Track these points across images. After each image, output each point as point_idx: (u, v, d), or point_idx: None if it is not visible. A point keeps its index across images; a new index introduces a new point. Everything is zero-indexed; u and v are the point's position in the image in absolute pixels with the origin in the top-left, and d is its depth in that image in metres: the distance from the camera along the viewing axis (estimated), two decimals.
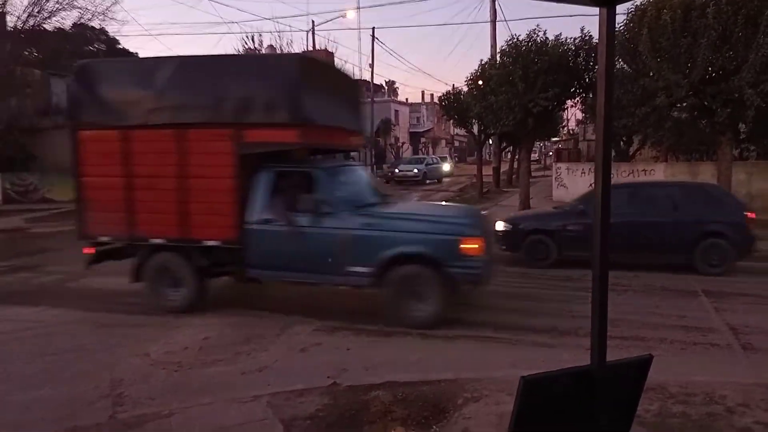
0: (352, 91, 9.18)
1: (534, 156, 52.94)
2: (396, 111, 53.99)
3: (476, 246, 6.58)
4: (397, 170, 35.56)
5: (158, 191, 7.36)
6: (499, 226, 10.85)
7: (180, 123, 7.16)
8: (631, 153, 21.96)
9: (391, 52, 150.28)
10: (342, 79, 9.09)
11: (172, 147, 7.21)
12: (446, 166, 43.96)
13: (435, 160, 39.71)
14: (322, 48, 38.23)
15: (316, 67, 8.15)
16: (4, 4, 23.94)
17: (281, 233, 7.08)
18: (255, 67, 7.75)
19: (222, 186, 7.13)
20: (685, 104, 12.66)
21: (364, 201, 7.43)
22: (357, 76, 49.38)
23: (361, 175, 8.43)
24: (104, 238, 7.81)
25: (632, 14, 13.21)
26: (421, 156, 44.33)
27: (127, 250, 7.81)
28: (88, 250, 7.94)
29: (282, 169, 7.36)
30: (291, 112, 6.86)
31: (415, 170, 34.86)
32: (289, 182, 7.26)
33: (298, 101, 6.89)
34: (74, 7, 25.65)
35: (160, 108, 7.23)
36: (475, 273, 6.63)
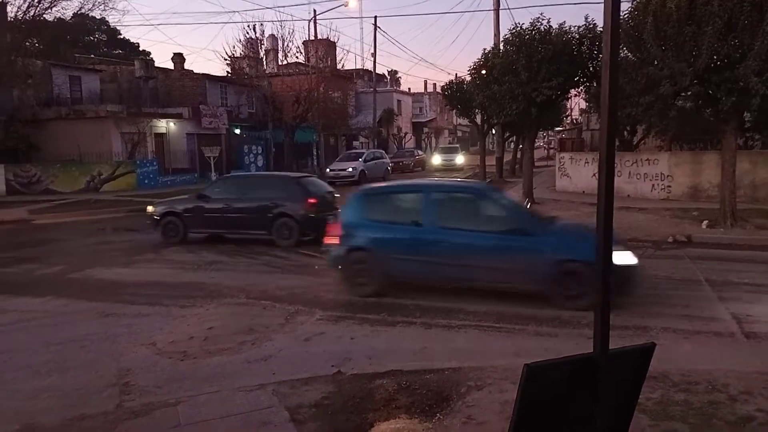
0: None
1: (541, 143, 52.03)
2: (398, 101, 53.79)
3: None
4: (328, 170, 28.61)
5: None
6: (149, 209, 12.67)
7: None
8: (635, 142, 21.84)
9: (394, 41, 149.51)
10: None
11: None
12: (459, 158, 40.21)
13: (379, 155, 32.56)
14: (324, 37, 38.11)
15: None
16: None
17: None
18: None
19: None
20: (689, 93, 12.53)
21: None
22: (359, 66, 49.02)
23: None
24: None
25: (637, 2, 13.09)
26: (359, 151, 34.90)
27: None
28: None
29: None
30: None
31: (350, 169, 27.96)
32: None
33: None
34: None
35: None
36: None
